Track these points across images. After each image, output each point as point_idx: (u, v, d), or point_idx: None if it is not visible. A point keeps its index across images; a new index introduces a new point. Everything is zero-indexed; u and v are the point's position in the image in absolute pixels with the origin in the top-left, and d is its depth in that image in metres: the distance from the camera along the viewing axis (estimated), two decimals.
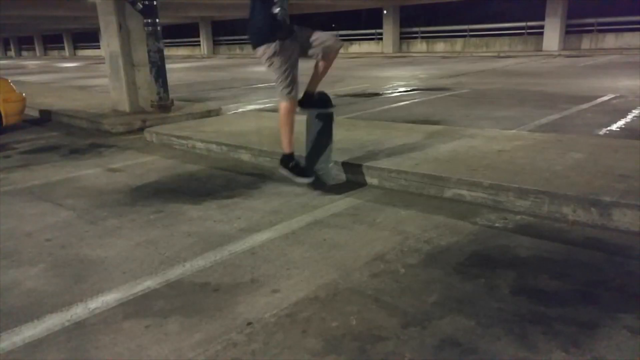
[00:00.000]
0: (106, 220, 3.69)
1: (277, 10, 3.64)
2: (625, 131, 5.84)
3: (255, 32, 3.80)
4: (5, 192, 4.55)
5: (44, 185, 4.72)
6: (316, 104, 4.16)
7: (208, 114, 8.22)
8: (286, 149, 3.99)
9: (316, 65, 4.03)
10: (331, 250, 2.99)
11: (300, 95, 4.04)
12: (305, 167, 4.09)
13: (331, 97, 4.32)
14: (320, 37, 3.88)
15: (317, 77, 4.10)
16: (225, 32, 38.42)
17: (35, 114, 9.35)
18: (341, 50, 4.20)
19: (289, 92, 3.82)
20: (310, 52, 3.89)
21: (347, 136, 5.43)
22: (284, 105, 3.87)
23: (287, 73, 3.78)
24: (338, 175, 4.36)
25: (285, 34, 3.71)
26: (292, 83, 3.81)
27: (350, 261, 2.83)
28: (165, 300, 2.50)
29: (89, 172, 5.17)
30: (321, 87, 4.16)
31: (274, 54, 3.72)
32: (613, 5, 21.59)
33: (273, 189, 4.26)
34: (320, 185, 4.07)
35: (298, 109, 4.03)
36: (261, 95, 11.17)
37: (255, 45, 3.81)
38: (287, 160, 4.01)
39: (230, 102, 10.21)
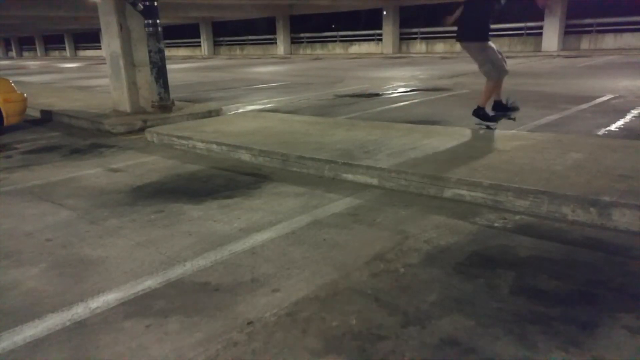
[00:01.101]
0: (107, 220, 3.70)
1: (498, 5, 5.43)
2: (625, 131, 5.84)
3: (478, 28, 5.37)
4: (6, 192, 4.56)
5: (44, 185, 4.73)
6: (505, 109, 5.60)
7: (209, 114, 8.23)
8: (482, 104, 5.48)
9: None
10: (331, 250, 3.00)
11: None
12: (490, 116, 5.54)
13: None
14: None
15: (499, 87, 5.57)
16: (225, 32, 38.44)
17: (36, 114, 9.36)
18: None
19: (497, 75, 5.37)
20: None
21: (347, 136, 5.44)
22: (490, 83, 5.41)
23: (493, 62, 5.30)
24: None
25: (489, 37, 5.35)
26: (498, 69, 5.34)
27: (350, 261, 2.84)
28: (165, 300, 2.51)
29: (90, 172, 5.17)
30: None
31: (486, 48, 5.30)
32: (612, 5, 21.60)
33: (273, 189, 4.26)
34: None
35: (493, 115, 5.54)
36: (261, 96, 11.17)
37: (474, 40, 5.41)
38: (479, 110, 5.51)
39: (231, 102, 10.22)
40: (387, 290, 2.49)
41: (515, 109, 5.60)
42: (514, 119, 5.64)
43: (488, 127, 5.49)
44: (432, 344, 2.06)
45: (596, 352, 1.96)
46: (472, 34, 5.42)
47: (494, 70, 5.34)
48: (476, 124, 5.57)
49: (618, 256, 2.77)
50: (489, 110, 5.54)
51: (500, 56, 5.37)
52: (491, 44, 5.37)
